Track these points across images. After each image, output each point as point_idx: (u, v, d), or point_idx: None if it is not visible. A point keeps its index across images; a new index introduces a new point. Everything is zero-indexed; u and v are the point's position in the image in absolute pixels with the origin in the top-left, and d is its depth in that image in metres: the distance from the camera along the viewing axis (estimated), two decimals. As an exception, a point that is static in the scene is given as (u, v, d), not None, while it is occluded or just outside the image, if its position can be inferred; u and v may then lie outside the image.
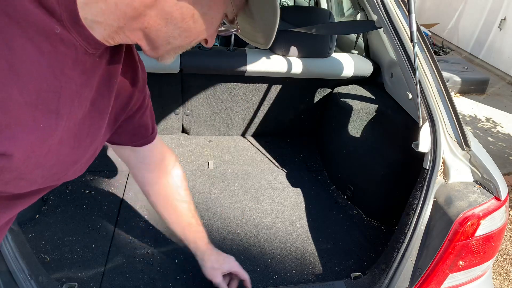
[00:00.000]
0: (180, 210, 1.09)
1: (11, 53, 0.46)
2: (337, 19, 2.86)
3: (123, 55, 0.68)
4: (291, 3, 3.94)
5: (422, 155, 1.16)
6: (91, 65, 0.58)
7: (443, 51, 6.33)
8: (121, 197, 1.61)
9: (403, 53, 1.17)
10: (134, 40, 0.59)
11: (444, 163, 1.13)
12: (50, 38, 0.50)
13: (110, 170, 1.76)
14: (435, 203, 1.10)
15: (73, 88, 0.55)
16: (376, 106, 1.70)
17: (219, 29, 0.63)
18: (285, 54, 1.79)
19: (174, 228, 1.11)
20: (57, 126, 0.54)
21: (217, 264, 1.14)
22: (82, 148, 0.63)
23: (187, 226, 1.11)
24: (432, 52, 1.19)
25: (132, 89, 0.76)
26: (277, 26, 0.61)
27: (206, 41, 0.64)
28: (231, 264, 1.16)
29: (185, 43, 0.61)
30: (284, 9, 1.99)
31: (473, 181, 1.14)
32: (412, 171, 1.24)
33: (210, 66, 1.79)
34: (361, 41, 2.06)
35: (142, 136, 0.90)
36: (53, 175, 0.60)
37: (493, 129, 4.09)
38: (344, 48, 2.28)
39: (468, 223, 1.01)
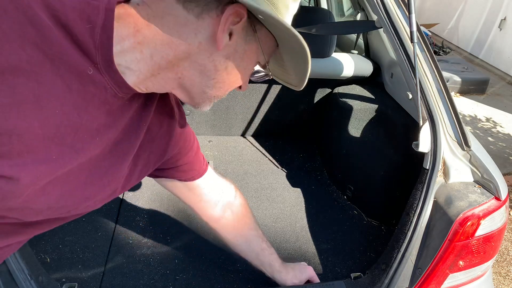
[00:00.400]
0: (251, 239, 1.11)
1: (39, 87, 0.47)
2: (337, 19, 2.86)
3: (157, 101, 0.70)
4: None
5: (422, 155, 1.16)
6: (119, 107, 0.59)
7: (443, 51, 6.33)
8: (121, 197, 1.61)
9: (403, 53, 1.17)
10: (168, 89, 0.61)
11: (444, 163, 1.13)
12: (81, 78, 0.51)
13: None
14: (435, 203, 1.10)
15: (95, 126, 0.56)
16: (376, 106, 1.70)
17: (253, 76, 0.66)
18: (285, 54, 1.78)
19: (247, 257, 1.14)
20: (70, 159, 0.56)
21: (296, 279, 1.17)
22: (96, 186, 0.64)
23: (260, 252, 1.12)
24: (432, 52, 1.19)
25: (168, 134, 0.77)
26: (309, 73, 0.62)
27: (240, 87, 0.66)
28: (307, 273, 1.20)
29: (220, 93, 0.63)
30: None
31: (473, 181, 1.14)
32: (412, 171, 1.24)
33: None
34: (361, 41, 2.06)
35: (188, 173, 0.92)
36: (61, 207, 0.61)
37: (493, 129, 4.09)
38: (344, 48, 2.28)
39: (468, 223, 1.01)
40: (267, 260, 1.14)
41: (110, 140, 0.62)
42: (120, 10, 0.53)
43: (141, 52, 0.54)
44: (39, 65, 0.47)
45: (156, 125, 0.73)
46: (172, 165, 0.86)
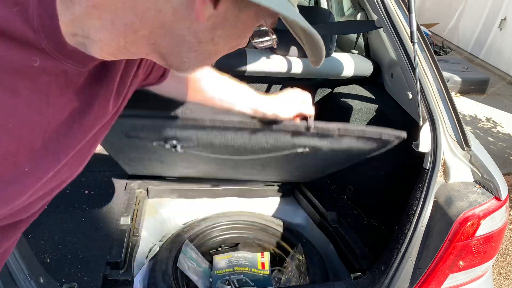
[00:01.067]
0: (233, 97, 1.02)
1: None
2: (337, 18, 2.86)
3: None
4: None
5: (422, 155, 1.16)
6: (88, 81, 0.51)
7: (443, 51, 6.33)
8: (121, 197, 1.61)
9: (403, 53, 1.17)
10: (141, 56, 0.52)
11: (444, 163, 1.13)
12: (26, 74, 0.43)
13: (110, 170, 1.75)
14: (435, 203, 1.10)
15: (66, 115, 0.49)
16: (376, 106, 1.70)
17: (255, 40, 0.56)
18: (285, 54, 1.79)
19: (216, 105, 1.04)
20: (48, 163, 0.49)
21: (277, 110, 1.06)
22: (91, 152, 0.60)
23: (242, 103, 1.03)
24: (432, 52, 1.19)
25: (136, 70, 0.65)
26: (323, 54, 0.53)
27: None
28: (299, 108, 1.08)
29: (205, 64, 0.53)
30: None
31: (474, 181, 1.14)
32: (412, 171, 1.24)
33: (210, 66, 1.78)
34: (361, 41, 2.06)
35: (158, 77, 0.82)
36: (51, 189, 0.56)
37: (493, 129, 4.09)
38: (344, 48, 2.28)
39: (468, 223, 1.01)
40: (251, 107, 1.04)
41: (94, 118, 0.54)
42: None
43: (99, 18, 0.43)
44: None
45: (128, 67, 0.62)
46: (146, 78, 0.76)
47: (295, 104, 1.08)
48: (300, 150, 1.18)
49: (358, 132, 1.14)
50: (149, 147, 1.19)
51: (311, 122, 1.11)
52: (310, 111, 1.10)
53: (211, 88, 1.02)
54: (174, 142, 1.15)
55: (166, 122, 1.10)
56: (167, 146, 1.14)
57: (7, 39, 0.40)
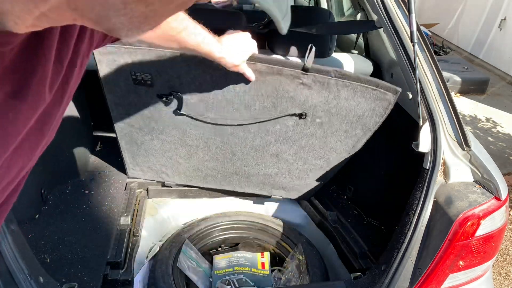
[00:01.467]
0: (180, 40, 1.02)
1: None
2: (337, 19, 2.86)
3: None
4: (291, 3, 3.93)
5: (422, 155, 1.16)
6: (16, 57, 0.44)
7: (443, 51, 6.33)
8: (121, 197, 1.61)
9: (403, 53, 1.17)
10: (69, 23, 0.42)
11: (444, 163, 1.13)
12: None
13: (110, 170, 1.75)
14: (435, 203, 1.10)
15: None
16: (376, 106, 1.70)
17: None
18: (285, 54, 1.79)
19: (186, 52, 1.07)
20: None
21: (236, 60, 1.11)
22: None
23: (197, 48, 1.04)
24: (432, 52, 1.19)
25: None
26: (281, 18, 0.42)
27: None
28: (249, 51, 1.13)
29: (145, 29, 0.42)
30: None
31: (473, 181, 1.14)
32: (412, 171, 1.24)
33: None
34: (361, 41, 2.06)
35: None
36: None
37: (493, 129, 4.09)
38: (344, 48, 2.28)
39: (468, 223, 1.01)
40: (204, 52, 1.06)
41: (33, 99, 0.48)
42: None
43: None
44: None
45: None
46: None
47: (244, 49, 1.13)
48: (296, 114, 1.20)
49: (354, 78, 1.18)
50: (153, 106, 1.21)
51: (309, 61, 1.13)
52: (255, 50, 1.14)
53: (187, 42, 1.02)
54: (179, 94, 1.21)
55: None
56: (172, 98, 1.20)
57: None
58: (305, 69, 1.14)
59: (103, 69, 1.17)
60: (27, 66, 0.45)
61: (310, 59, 1.14)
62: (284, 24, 0.40)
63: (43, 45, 0.47)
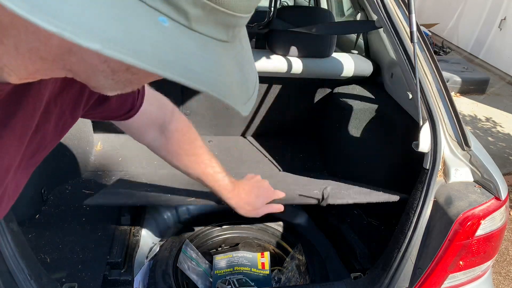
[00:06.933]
0: (189, 165, 1.02)
1: None
2: (337, 19, 2.86)
3: None
4: (291, 3, 3.93)
5: (422, 155, 1.16)
6: (4, 100, 0.47)
7: (443, 51, 6.33)
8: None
9: (403, 53, 1.17)
10: (58, 76, 0.45)
11: (444, 163, 1.13)
12: None
13: (110, 170, 1.75)
14: (435, 203, 1.10)
15: None
16: (376, 106, 1.70)
17: None
18: (285, 54, 1.79)
19: (191, 178, 1.05)
20: None
21: (250, 206, 1.10)
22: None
23: (203, 177, 1.03)
24: (432, 52, 1.19)
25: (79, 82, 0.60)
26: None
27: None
28: (264, 197, 1.11)
29: (129, 90, 0.46)
30: (284, 8, 1.99)
31: (473, 181, 1.14)
32: (412, 171, 1.24)
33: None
34: (361, 41, 2.06)
35: (120, 115, 0.80)
36: None
37: (493, 129, 4.09)
38: (344, 48, 2.28)
39: (468, 223, 1.01)
40: (211, 186, 1.05)
41: (11, 140, 0.51)
42: None
43: (1, 43, 0.39)
44: None
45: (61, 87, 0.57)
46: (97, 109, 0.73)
47: (262, 196, 1.12)
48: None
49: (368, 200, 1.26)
50: None
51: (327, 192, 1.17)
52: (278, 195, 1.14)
53: (195, 168, 1.02)
54: None
55: None
56: None
57: None
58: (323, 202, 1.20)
59: None
60: (10, 110, 0.49)
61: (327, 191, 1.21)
62: (247, 107, 0.39)
63: (31, 94, 0.50)
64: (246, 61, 0.41)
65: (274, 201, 1.14)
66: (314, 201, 1.21)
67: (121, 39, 0.28)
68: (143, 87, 0.79)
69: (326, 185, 1.22)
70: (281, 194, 1.15)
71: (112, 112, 0.77)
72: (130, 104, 0.80)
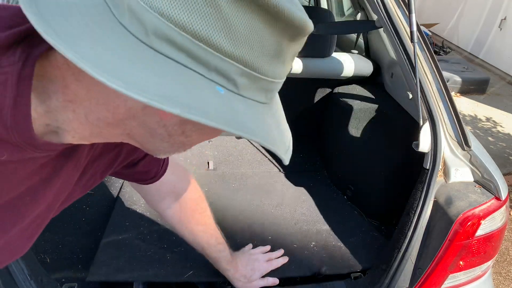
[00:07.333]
0: (196, 234, 1.09)
1: None
2: (337, 18, 2.86)
3: None
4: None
5: (422, 155, 1.16)
6: (52, 158, 0.52)
7: (443, 51, 6.33)
8: (121, 197, 1.61)
9: (403, 53, 1.17)
10: (117, 141, 0.51)
11: (444, 163, 1.13)
12: None
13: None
14: (435, 203, 1.10)
15: (23, 189, 0.50)
16: (377, 106, 1.70)
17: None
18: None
19: (195, 248, 1.12)
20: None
21: (246, 279, 1.15)
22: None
23: (206, 247, 1.11)
24: (433, 52, 1.19)
25: (117, 149, 0.68)
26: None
27: None
28: (259, 270, 1.18)
29: (180, 151, 0.53)
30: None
31: (474, 181, 1.14)
32: (412, 171, 1.24)
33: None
34: (361, 40, 2.06)
35: (144, 179, 0.88)
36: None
37: (493, 129, 4.09)
38: (344, 47, 2.28)
39: (469, 223, 1.01)
40: (213, 257, 1.12)
41: (51, 193, 0.56)
42: (44, 63, 0.43)
43: (73, 111, 0.44)
44: None
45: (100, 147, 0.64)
46: (127, 171, 0.81)
47: (259, 268, 1.18)
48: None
49: None
50: None
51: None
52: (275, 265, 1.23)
53: (196, 236, 1.09)
54: None
55: None
56: None
57: None
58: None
59: None
60: (57, 166, 0.54)
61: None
62: (287, 156, 0.45)
63: (76, 153, 0.56)
64: (282, 120, 0.48)
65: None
66: (309, 273, 1.28)
67: (193, 105, 0.35)
68: (167, 158, 0.87)
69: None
70: (276, 265, 1.22)
71: (137, 175, 0.84)
72: (155, 171, 0.86)
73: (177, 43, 0.36)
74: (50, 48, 0.42)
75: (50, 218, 0.62)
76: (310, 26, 0.41)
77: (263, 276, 1.18)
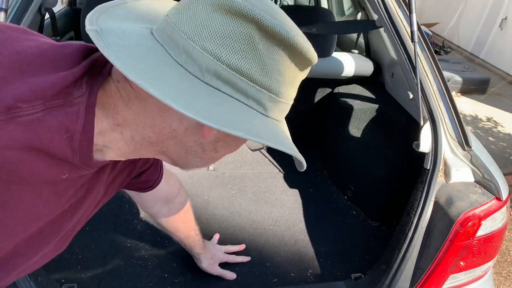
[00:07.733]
0: (179, 229, 1.20)
1: (4, 209, 0.47)
2: (337, 18, 2.86)
3: None
4: (291, 3, 3.93)
5: (423, 155, 1.15)
6: (91, 175, 0.57)
7: (443, 50, 6.32)
8: (121, 198, 1.61)
9: (404, 53, 1.17)
10: (150, 157, 0.58)
11: (445, 163, 1.12)
12: (54, 184, 0.50)
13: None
14: (436, 203, 1.10)
15: (67, 206, 0.55)
16: (377, 106, 1.70)
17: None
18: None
19: (174, 238, 1.24)
20: (43, 245, 0.57)
21: (211, 260, 1.29)
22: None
23: (185, 238, 1.23)
24: (433, 52, 1.19)
25: (132, 165, 0.76)
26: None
27: None
28: (218, 257, 1.33)
29: (207, 165, 0.62)
30: (284, 8, 1.99)
31: (474, 181, 1.14)
32: (413, 171, 1.23)
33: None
34: (361, 40, 2.06)
35: (143, 188, 0.94)
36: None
37: (494, 129, 4.09)
38: (345, 47, 2.28)
39: (469, 224, 1.01)
40: (189, 245, 1.24)
41: (85, 207, 0.61)
42: (100, 93, 0.49)
43: (120, 133, 0.51)
44: (3, 191, 0.46)
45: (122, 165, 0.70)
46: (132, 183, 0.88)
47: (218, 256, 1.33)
48: None
49: None
50: None
51: None
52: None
53: (179, 231, 1.21)
54: None
55: None
56: None
57: (50, 158, 0.47)
58: None
59: None
60: (92, 183, 0.59)
61: None
62: (303, 165, 0.56)
63: (106, 170, 0.61)
64: (288, 134, 0.58)
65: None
66: (308, 273, 1.34)
67: (245, 128, 0.44)
68: (162, 168, 0.95)
69: None
70: (233, 260, 1.36)
71: (138, 184, 0.90)
72: (154, 180, 0.93)
73: (224, 77, 0.45)
74: (105, 80, 0.50)
75: (78, 230, 0.67)
76: (316, 58, 0.52)
77: (224, 268, 1.31)
